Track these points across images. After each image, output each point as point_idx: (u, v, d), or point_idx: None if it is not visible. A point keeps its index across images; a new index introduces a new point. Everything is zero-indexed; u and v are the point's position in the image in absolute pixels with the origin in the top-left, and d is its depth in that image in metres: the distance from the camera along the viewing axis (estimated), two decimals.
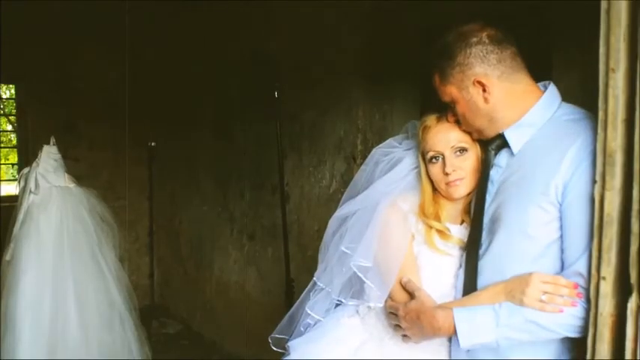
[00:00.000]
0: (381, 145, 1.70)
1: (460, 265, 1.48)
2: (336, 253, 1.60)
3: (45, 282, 3.38)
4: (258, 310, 4.02)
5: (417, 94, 2.89)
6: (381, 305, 1.53)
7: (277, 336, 1.70)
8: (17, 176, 4.18)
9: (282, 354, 1.67)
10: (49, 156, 3.66)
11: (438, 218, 1.54)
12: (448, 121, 1.50)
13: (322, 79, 3.29)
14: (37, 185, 3.54)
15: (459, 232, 1.54)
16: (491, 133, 1.44)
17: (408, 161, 1.62)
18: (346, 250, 1.56)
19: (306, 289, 1.69)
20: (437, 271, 1.51)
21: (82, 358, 3.34)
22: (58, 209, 3.53)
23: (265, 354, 1.70)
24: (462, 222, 1.55)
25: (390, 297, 1.52)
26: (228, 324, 4.47)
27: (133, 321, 3.65)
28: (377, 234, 1.53)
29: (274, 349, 1.68)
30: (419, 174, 1.58)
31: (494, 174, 1.44)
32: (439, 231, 1.53)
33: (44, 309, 3.35)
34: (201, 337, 4.85)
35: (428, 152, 1.52)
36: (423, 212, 1.55)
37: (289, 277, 3.38)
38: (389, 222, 1.55)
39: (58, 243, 3.48)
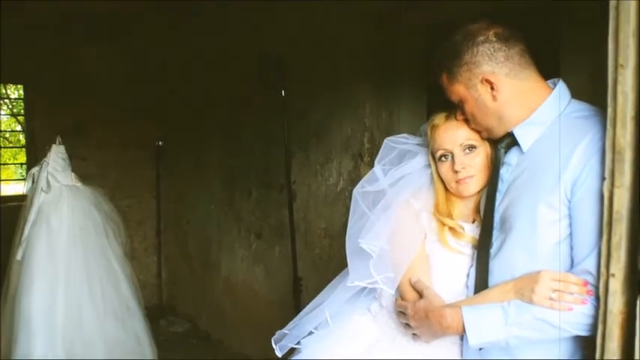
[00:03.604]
0: (391, 137, 1.69)
1: (472, 264, 1.48)
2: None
3: (58, 281, 3.42)
4: (265, 308, 4.03)
5: (423, 91, 2.88)
6: (391, 291, 1.52)
7: (283, 331, 1.69)
8: (26, 175, 4.19)
9: (286, 351, 1.67)
10: (57, 155, 3.70)
11: (450, 217, 1.54)
12: (457, 119, 1.49)
13: (329, 78, 3.30)
14: (48, 184, 3.57)
15: (471, 230, 1.53)
16: (500, 131, 1.43)
17: (420, 159, 1.61)
18: (359, 241, 1.54)
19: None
20: (449, 270, 1.50)
21: (97, 354, 3.38)
22: (69, 208, 3.57)
23: (273, 352, 1.70)
24: (474, 221, 1.55)
25: (400, 296, 1.52)
26: (236, 322, 4.48)
27: (141, 314, 3.69)
28: (389, 229, 1.53)
29: (274, 346, 1.67)
30: (430, 173, 1.58)
31: (505, 172, 1.43)
32: (452, 229, 1.52)
33: (58, 308, 3.38)
34: (209, 335, 4.86)
35: (437, 151, 1.52)
36: (437, 210, 1.55)
37: (296, 275, 3.39)
38: (401, 219, 1.54)
39: (71, 241, 3.51)
